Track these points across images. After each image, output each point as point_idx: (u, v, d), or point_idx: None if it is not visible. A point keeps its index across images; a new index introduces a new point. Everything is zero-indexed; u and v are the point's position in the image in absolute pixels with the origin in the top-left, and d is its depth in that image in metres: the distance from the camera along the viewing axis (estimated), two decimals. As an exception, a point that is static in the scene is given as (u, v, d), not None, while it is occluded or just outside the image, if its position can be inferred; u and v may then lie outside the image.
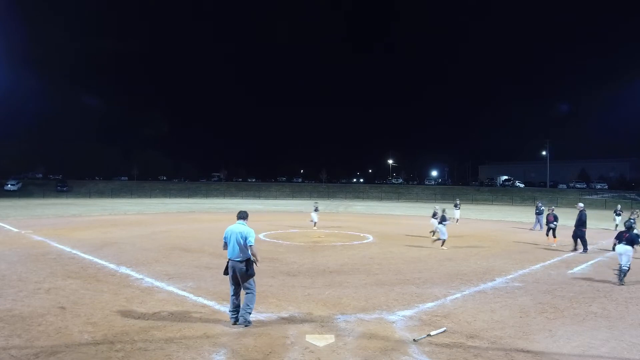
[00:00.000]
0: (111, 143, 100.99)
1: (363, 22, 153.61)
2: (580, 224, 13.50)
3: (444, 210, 14.77)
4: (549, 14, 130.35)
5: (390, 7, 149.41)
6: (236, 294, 6.10)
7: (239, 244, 6.02)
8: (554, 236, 15.05)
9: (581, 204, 14.30)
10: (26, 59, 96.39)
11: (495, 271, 10.21)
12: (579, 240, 13.61)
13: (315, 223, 20.16)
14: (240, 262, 6.00)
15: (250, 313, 6.03)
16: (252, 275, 6.05)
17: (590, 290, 8.41)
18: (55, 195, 57.32)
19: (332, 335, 5.58)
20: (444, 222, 14.02)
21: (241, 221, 6.25)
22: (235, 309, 6.06)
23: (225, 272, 6.17)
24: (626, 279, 9.08)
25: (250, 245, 6.01)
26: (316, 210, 20.65)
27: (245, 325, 5.90)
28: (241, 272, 5.99)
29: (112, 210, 32.48)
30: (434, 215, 16.52)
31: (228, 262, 6.12)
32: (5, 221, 21.51)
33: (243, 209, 6.67)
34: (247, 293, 6.06)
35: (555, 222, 15.26)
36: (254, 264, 6.14)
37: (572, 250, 13.56)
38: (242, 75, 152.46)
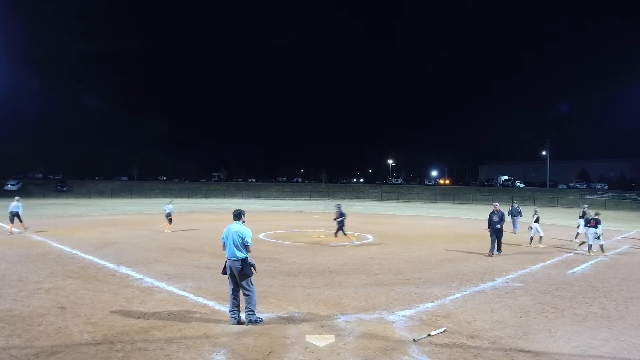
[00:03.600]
0: (111, 143, 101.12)
1: (363, 22, 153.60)
2: (500, 224, 12.65)
3: (598, 214, 12.79)
4: (549, 14, 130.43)
5: (391, 7, 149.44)
6: (235, 293, 6.13)
7: (235, 243, 6.09)
8: (344, 233, 14.42)
9: (497, 203, 13.45)
10: (26, 59, 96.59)
11: (495, 271, 10.21)
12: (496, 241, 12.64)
13: (541, 238, 14.78)
14: (237, 261, 6.06)
15: (253, 313, 6.06)
16: (247, 275, 6.07)
17: (590, 290, 8.41)
18: (55, 195, 57.28)
19: (332, 335, 5.57)
20: (593, 226, 12.70)
21: (238, 221, 6.34)
22: (235, 308, 6.08)
23: (224, 272, 6.24)
24: (626, 278, 9.07)
25: (248, 245, 6.11)
26: (537, 221, 14.86)
27: (256, 322, 6.03)
28: (237, 271, 6.05)
29: (112, 210, 32.48)
30: (586, 220, 14.07)
31: (226, 262, 6.19)
32: (5, 221, 21.50)
33: (239, 208, 6.68)
34: (245, 295, 6.09)
35: (342, 218, 14.67)
36: (252, 267, 6.18)
37: (489, 255, 12.39)
38: (242, 75, 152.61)
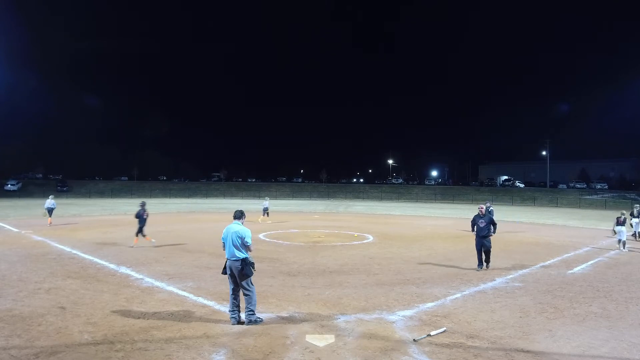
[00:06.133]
0: (111, 143, 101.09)
1: (363, 21, 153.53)
2: (487, 231, 10.46)
3: None
4: (549, 14, 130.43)
5: (391, 6, 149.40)
6: (235, 293, 6.14)
7: (235, 244, 6.11)
8: (137, 234, 13.40)
9: (482, 205, 11.34)
10: (26, 59, 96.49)
11: (495, 271, 10.20)
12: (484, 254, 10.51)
13: (621, 241, 14.19)
14: (236, 261, 6.08)
15: (253, 313, 6.07)
16: (247, 275, 6.09)
17: (590, 290, 8.41)
18: (55, 196, 57.23)
19: (332, 335, 5.57)
20: None
21: (237, 221, 6.36)
22: (235, 308, 6.09)
23: (224, 272, 6.26)
24: (626, 278, 9.07)
25: (248, 245, 6.13)
26: (622, 223, 14.22)
27: (256, 322, 6.03)
28: (237, 271, 6.07)
29: (112, 210, 32.47)
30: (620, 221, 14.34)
31: (226, 262, 6.21)
32: (5, 221, 21.54)
33: (241, 208, 6.74)
34: (245, 295, 6.10)
35: (144, 218, 13.59)
36: (252, 267, 6.18)
37: (477, 269, 10.33)
38: (242, 75, 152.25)
